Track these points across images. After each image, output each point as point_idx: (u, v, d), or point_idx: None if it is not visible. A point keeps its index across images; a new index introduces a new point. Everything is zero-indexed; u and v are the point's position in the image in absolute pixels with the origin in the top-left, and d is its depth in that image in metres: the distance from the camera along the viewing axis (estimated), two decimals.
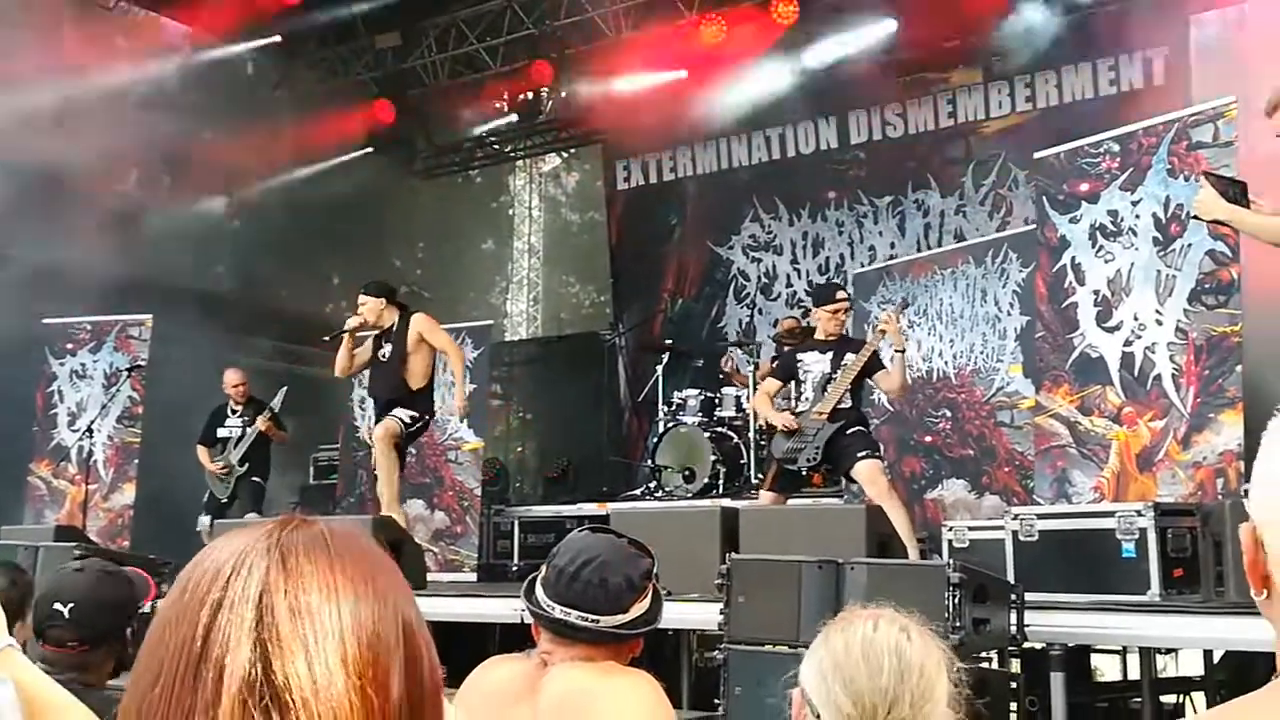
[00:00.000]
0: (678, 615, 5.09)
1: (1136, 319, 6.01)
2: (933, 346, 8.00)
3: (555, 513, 9.84)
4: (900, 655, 1.70)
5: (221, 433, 9.02)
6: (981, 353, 7.85)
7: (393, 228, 14.05)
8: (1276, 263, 4.44)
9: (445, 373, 7.91)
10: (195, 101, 11.01)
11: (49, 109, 9.67)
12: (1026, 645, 4.62)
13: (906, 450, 8.05)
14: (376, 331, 7.36)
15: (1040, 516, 5.34)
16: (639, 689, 2.17)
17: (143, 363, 9.80)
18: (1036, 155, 6.90)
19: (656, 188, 13.03)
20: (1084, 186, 6.38)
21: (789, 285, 11.94)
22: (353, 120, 13.03)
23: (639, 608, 2.22)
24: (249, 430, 8.93)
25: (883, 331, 6.36)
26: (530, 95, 13.09)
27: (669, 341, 10.83)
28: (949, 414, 7.93)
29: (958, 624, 4.20)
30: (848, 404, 6.30)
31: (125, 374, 9.67)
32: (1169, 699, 5.56)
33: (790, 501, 6.69)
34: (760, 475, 8.98)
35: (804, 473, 6.37)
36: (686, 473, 9.01)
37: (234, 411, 9.06)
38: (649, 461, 9.44)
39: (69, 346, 10.18)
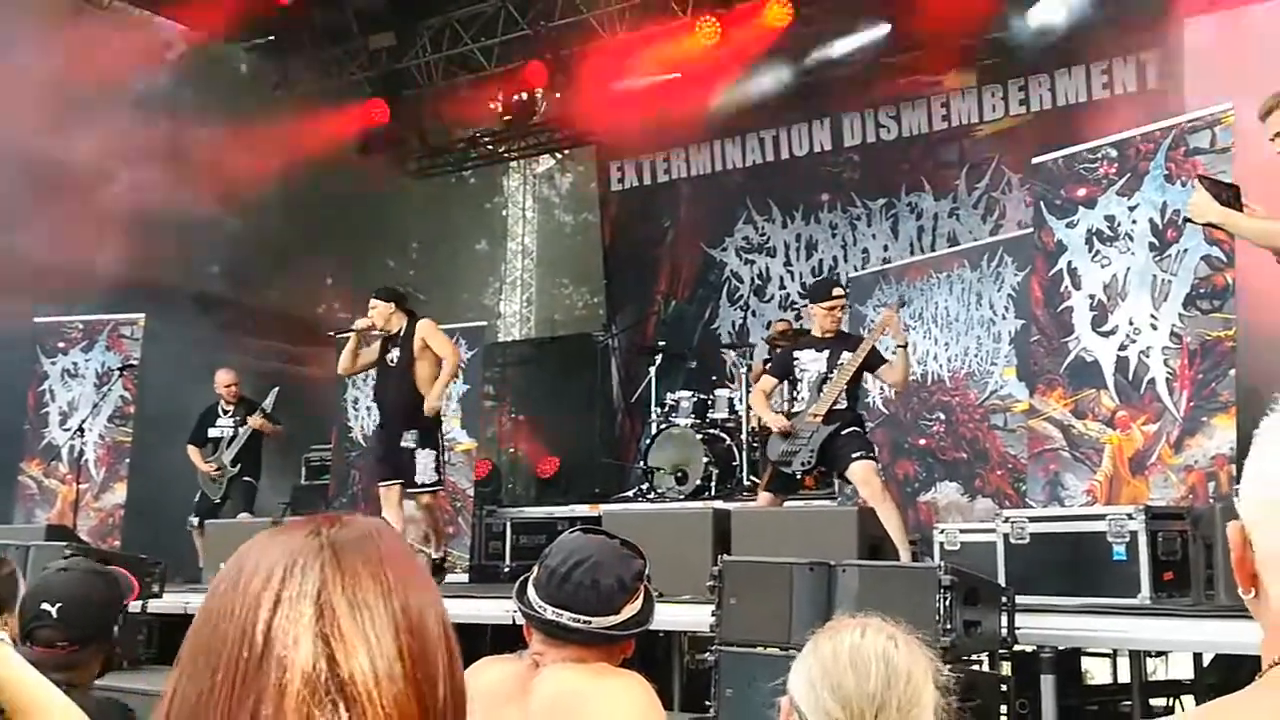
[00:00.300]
0: (669, 617, 5.08)
1: (1132, 323, 6.02)
2: (928, 350, 8.01)
3: (547, 514, 9.84)
4: (888, 662, 1.70)
5: (213, 433, 8.99)
6: (976, 356, 7.86)
7: (386, 228, 14.04)
8: (1271, 268, 4.45)
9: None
10: (189, 100, 11.00)
11: (43, 108, 9.64)
12: (1017, 648, 4.62)
13: (900, 453, 8.06)
14: (384, 335, 7.35)
15: (1031, 519, 5.35)
16: (630, 690, 2.17)
17: (135, 362, 9.78)
18: (1034, 160, 6.92)
19: (650, 189, 13.04)
20: (1081, 191, 6.40)
21: (782, 287, 11.96)
22: (347, 120, 13.02)
23: (630, 609, 2.22)
24: (241, 430, 8.90)
25: (884, 328, 6.30)
26: (524, 96, 13.08)
27: (662, 343, 10.84)
28: (943, 417, 7.94)
29: (949, 626, 4.20)
30: (843, 405, 6.23)
31: (117, 373, 9.66)
32: (1159, 702, 5.56)
33: (783, 503, 6.67)
34: (753, 477, 8.99)
35: (799, 476, 6.34)
36: (679, 474, 9.01)
37: (225, 411, 9.03)
38: (641, 463, 9.44)
39: (61, 345, 10.15)
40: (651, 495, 9.17)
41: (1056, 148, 6.90)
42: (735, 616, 4.66)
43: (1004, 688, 4.49)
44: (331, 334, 7.77)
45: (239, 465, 8.88)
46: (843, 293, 6.64)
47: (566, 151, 15.48)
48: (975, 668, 4.69)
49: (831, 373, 6.25)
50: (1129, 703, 5.02)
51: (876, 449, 6.64)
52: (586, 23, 11.60)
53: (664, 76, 11.86)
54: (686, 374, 10.52)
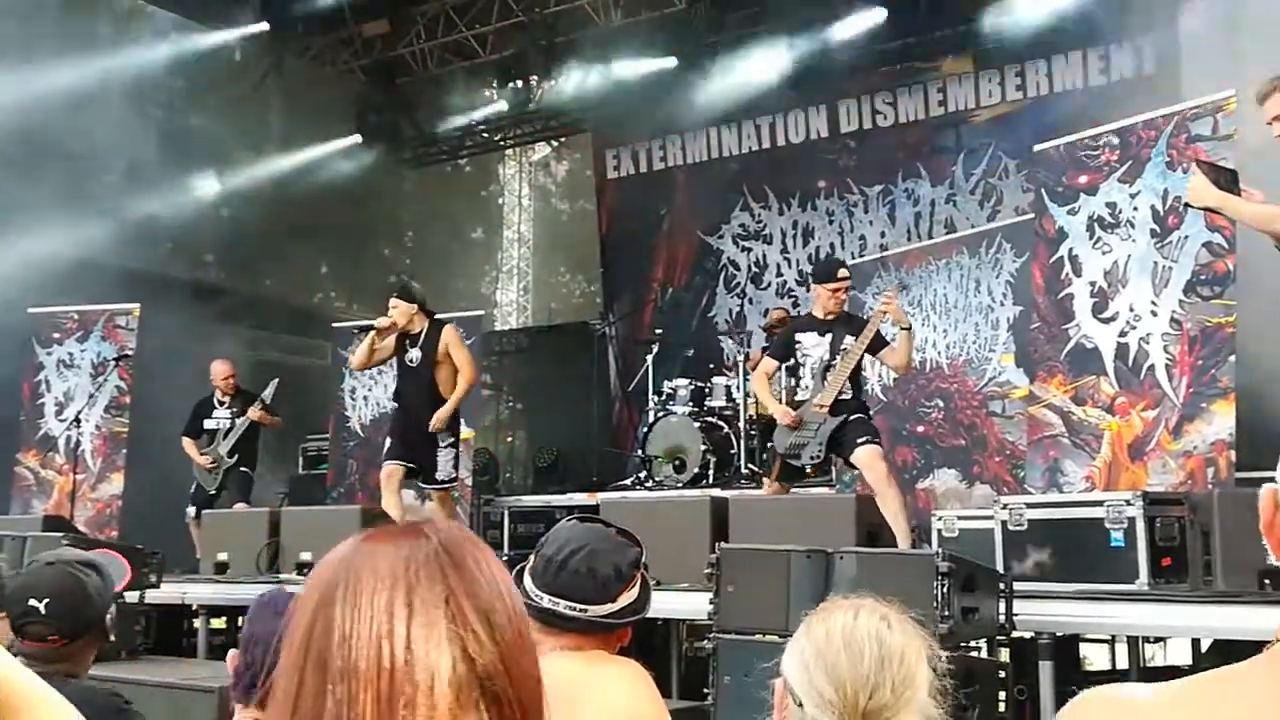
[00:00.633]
0: (667, 605, 5.08)
1: (1132, 310, 6.01)
2: (926, 337, 7.99)
3: (545, 502, 9.83)
4: (881, 643, 1.70)
5: (209, 424, 8.94)
6: (974, 343, 7.85)
7: (382, 216, 14.01)
8: (1272, 254, 4.43)
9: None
10: (183, 89, 10.95)
11: (35, 97, 9.60)
12: (1015, 634, 4.61)
13: (899, 440, 8.05)
14: (404, 334, 7.36)
15: (1029, 505, 5.33)
16: (627, 678, 2.16)
17: (130, 352, 9.75)
18: (1036, 147, 6.90)
19: (646, 177, 13.01)
20: (1083, 179, 6.38)
21: (779, 275, 11.94)
22: (341, 108, 12.98)
23: (627, 597, 2.21)
24: (239, 422, 8.86)
25: (884, 312, 6.17)
26: (520, 84, 13.05)
27: (659, 331, 10.81)
28: (941, 404, 7.93)
29: (946, 613, 4.19)
30: (848, 394, 6.13)
31: (113, 363, 9.62)
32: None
33: (789, 491, 6.62)
34: (751, 465, 8.98)
35: (807, 470, 6.30)
36: (676, 462, 9.00)
37: (221, 403, 8.98)
38: (639, 451, 9.42)
39: (56, 336, 10.12)
40: (649, 484, 9.16)
41: (1054, 133, 6.88)
42: (733, 604, 4.65)
43: (1002, 674, 4.48)
44: (355, 330, 7.78)
45: (235, 456, 8.84)
46: (848, 274, 6.48)
47: (562, 139, 15.43)
48: (973, 654, 4.69)
49: (834, 359, 6.15)
50: None
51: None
52: (581, 9, 11.56)
53: (660, 63, 11.83)
54: (684, 362, 10.50)
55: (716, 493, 7.66)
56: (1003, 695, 4.39)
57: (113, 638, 2.84)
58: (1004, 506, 5.36)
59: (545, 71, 12.63)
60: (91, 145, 10.00)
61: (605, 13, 11.50)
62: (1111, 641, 6.12)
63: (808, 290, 11.25)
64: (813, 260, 11.57)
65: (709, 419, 9.17)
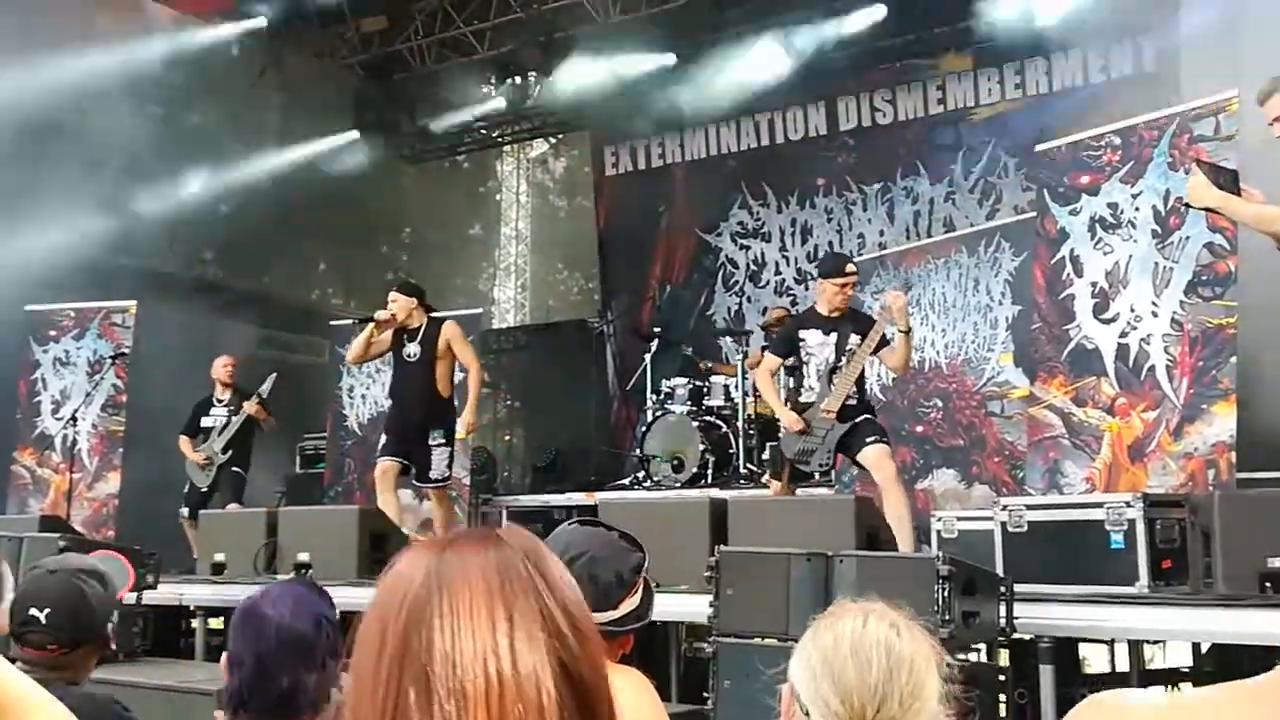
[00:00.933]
0: (666, 607, 5.05)
1: (1133, 310, 6.01)
2: (925, 336, 7.98)
3: (544, 502, 9.82)
4: (890, 652, 1.67)
5: (206, 422, 8.90)
6: (973, 342, 7.84)
7: (379, 213, 13.97)
8: (1273, 255, 4.42)
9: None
10: (181, 85, 10.91)
11: (33, 93, 9.56)
12: (1014, 637, 4.60)
13: (898, 440, 8.00)
14: (401, 329, 7.33)
15: (1029, 507, 5.32)
16: (629, 688, 2.12)
17: (127, 350, 9.73)
18: (1037, 148, 6.90)
19: (644, 174, 12.99)
20: (1085, 179, 6.38)
21: (778, 273, 11.92)
22: (339, 104, 12.94)
23: (629, 603, 2.18)
24: (234, 418, 8.83)
25: (892, 312, 6.02)
26: (518, 80, 13.01)
27: (657, 329, 10.78)
28: (940, 404, 7.92)
29: (947, 617, 4.17)
30: (854, 398, 6.06)
31: (109, 361, 9.60)
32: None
33: (795, 492, 6.58)
34: (749, 465, 8.96)
35: (817, 476, 6.26)
36: (675, 462, 8.99)
37: (219, 401, 8.95)
38: (637, 450, 9.40)
39: (52, 334, 10.10)
40: (648, 483, 9.14)
41: (1054, 132, 6.87)
42: (733, 607, 4.63)
43: (1002, 678, 4.46)
44: (354, 321, 7.77)
45: (229, 453, 8.78)
46: (855, 269, 6.36)
47: (560, 136, 15.40)
48: (973, 658, 4.67)
49: (840, 360, 6.07)
50: None
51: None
52: (579, 6, 11.52)
53: (658, 59, 11.81)
54: (682, 361, 10.48)
55: (715, 493, 7.65)
56: (1003, 699, 4.38)
57: (113, 648, 2.82)
58: (1004, 508, 5.35)
59: (543, 68, 12.59)
60: (89, 142, 9.97)
61: (603, 9, 11.47)
62: (1111, 643, 6.10)
63: (806, 288, 11.29)
64: (811, 258, 11.55)
65: (707, 418, 9.15)
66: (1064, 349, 6.28)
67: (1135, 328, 5.98)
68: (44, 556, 5.50)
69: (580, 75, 12.12)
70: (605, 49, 11.74)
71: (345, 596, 3.47)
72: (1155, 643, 5.43)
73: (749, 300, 11.90)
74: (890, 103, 11.32)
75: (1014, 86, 10.65)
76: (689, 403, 9.19)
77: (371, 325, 7.25)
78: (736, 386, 9.29)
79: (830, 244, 11.54)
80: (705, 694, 4.69)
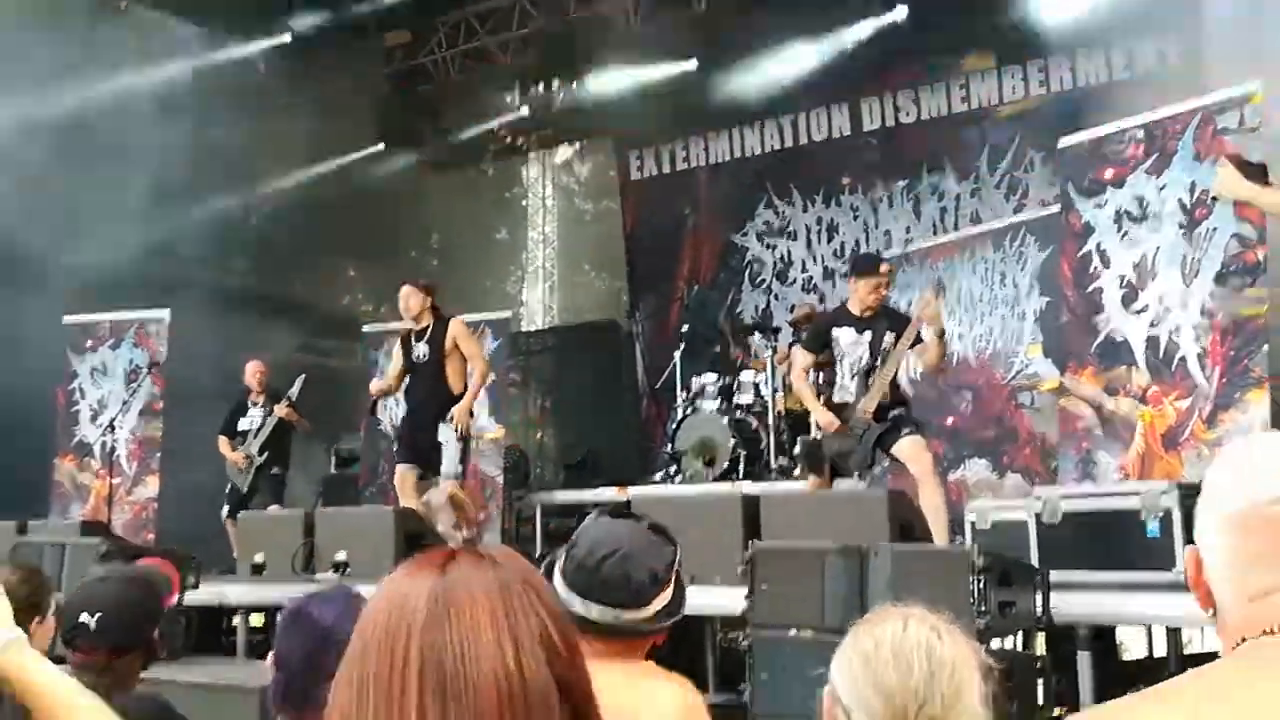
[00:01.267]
0: (701, 601, 5.09)
1: (1162, 302, 6.01)
2: (952, 330, 7.99)
3: (577, 498, 9.87)
4: (931, 654, 1.69)
5: (242, 424, 9.05)
6: (1000, 335, 7.85)
7: (407, 220, 14.09)
8: None
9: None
10: (208, 100, 11.05)
11: (64, 110, 9.71)
12: (1052, 625, 4.61)
13: (928, 433, 8.06)
14: (408, 334, 7.42)
15: (1064, 497, 5.33)
16: (677, 699, 2.08)
17: (162, 358, 9.87)
18: (1061, 143, 6.90)
19: (669, 177, 13.04)
20: (1109, 173, 6.39)
21: (804, 270, 11.94)
22: (365, 116, 13.08)
23: (661, 599, 2.12)
24: (268, 420, 8.96)
25: (927, 317, 6.03)
26: (541, 88, 13.10)
27: (685, 328, 10.81)
28: (969, 396, 7.93)
29: (983, 608, 4.20)
30: (888, 396, 6.06)
31: (145, 371, 9.76)
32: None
33: (833, 485, 6.59)
34: (781, 459, 8.99)
35: (856, 476, 6.28)
36: (707, 458, 9.02)
37: (254, 404, 9.09)
38: (669, 447, 9.45)
39: (89, 344, 10.27)
40: (679, 479, 9.19)
41: (1078, 127, 6.87)
42: (768, 601, 4.67)
43: (1039, 666, 4.49)
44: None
45: (265, 455, 8.93)
46: (889, 267, 6.36)
47: (585, 141, 15.48)
48: (1010, 647, 4.70)
49: (875, 359, 6.06)
50: (1166, 677, 5.01)
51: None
52: (601, 13, 11.59)
53: (681, 64, 11.86)
54: (711, 358, 10.52)
55: (747, 488, 7.68)
56: (1041, 686, 4.40)
57: (159, 654, 2.88)
58: (1038, 498, 5.36)
59: (566, 75, 12.67)
60: (121, 157, 10.10)
61: (625, 16, 11.54)
62: (1149, 628, 6.10)
63: (834, 285, 11.31)
64: (838, 255, 11.57)
65: (737, 415, 9.19)
66: (1093, 341, 6.29)
67: (1165, 319, 5.99)
68: (86, 561, 5.64)
69: (603, 81, 12.20)
70: (627, 55, 11.80)
71: None
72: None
73: (776, 298, 11.92)
74: (914, 102, 11.32)
75: (1038, 84, 10.63)
76: (719, 399, 9.23)
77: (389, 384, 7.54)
78: (766, 382, 9.33)
79: (857, 241, 11.56)
80: (741, 685, 4.73)
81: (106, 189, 9.80)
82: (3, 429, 8.77)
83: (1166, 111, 6.27)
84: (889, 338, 6.07)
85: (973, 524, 5.73)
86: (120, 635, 2.68)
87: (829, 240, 11.81)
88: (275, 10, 11.89)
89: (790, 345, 9.25)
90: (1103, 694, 4.33)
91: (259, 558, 7.26)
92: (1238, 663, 1.12)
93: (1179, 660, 4.79)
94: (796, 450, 8.72)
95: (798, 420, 9.18)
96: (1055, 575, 4.62)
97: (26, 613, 2.34)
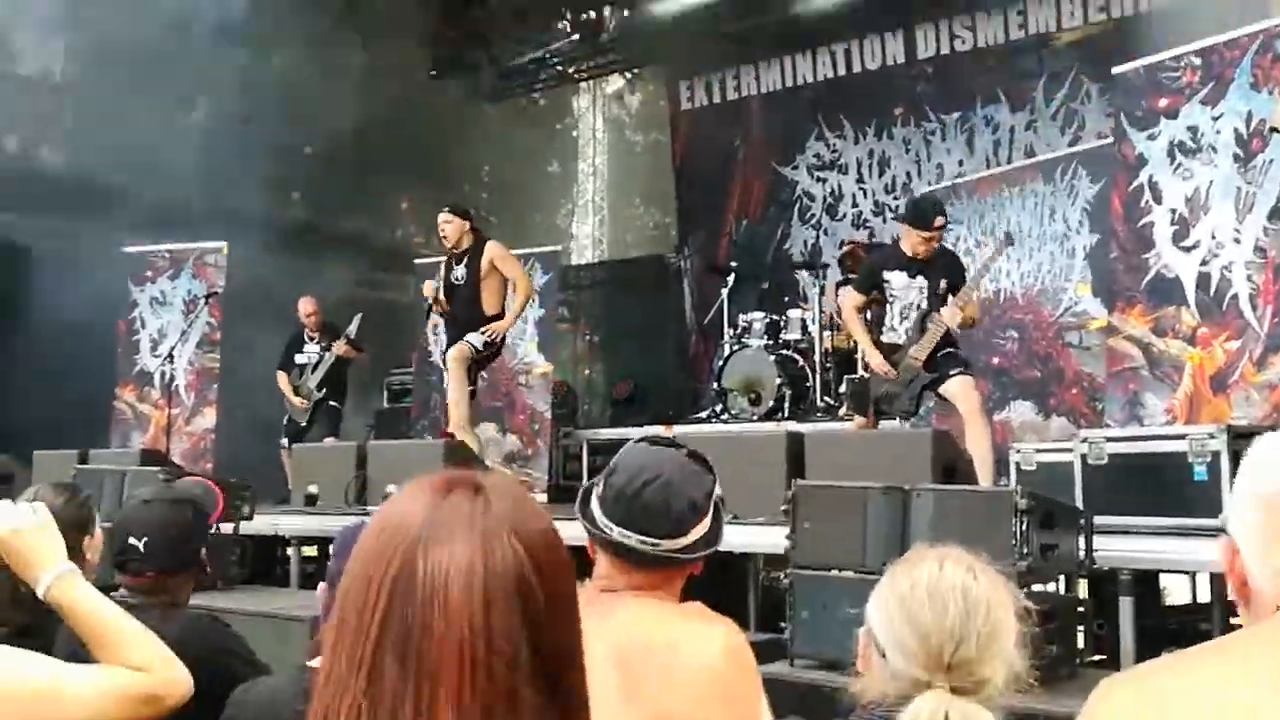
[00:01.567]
0: (744, 539, 5.15)
1: (1214, 238, 5.89)
2: (1000, 266, 7.89)
3: (623, 435, 9.94)
4: (967, 595, 1.70)
5: (300, 359, 9.24)
6: (1049, 272, 7.74)
7: (459, 152, 14.09)
8: None
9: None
10: (263, 30, 11.05)
11: (120, 34, 9.76)
12: (1094, 569, 4.61)
13: (975, 371, 8.01)
14: (450, 256, 7.49)
15: (1110, 439, 5.30)
16: (720, 639, 2.04)
17: (220, 289, 10.03)
18: (1115, 70, 6.72)
19: (720, 108, 12.91)
20: (1163, 102, 6.23)
21: (854, 205, 11.82)
22: (417, 44, 13.03)
23: (699, 529, 2.08)
24: (326, 356, 9.12)
25: (964, 315, 6.06)
26: (592, 15, 12.97)
27: (734, 264, 10.78)
28: (1015, 335, 7.85)
29: (1025, 550, 4.20)
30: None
31: (203, 301, 9.92)
32: (1240, 621, 5.53)
33: (879, 424, 6.62)
34: (826, 398, 9.00)
35: (898, 421, 6.30)
36: (752, 395, 9.05)
37: (311, 339, 9.26)
38: (715, 384, 9.48)
39: (149, 274, 10.45)
40: (725, 416, 9.23)
41: (1136, 55, 6.70)
42: (809, 540, 4.69)
43: (1081, 610, 4.49)
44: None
45: (324, 390, 9.13)
46: (945, 221, 6.26)
47: (635, 71, 15.35)
48: (1051, 589, 4.70)
49: (928, 304, 6.08)
50: (1208, 624, 5.00)
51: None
52: None
53: None
54: (759, 295, 10.50)
55: (792, 426, 7.70)
56: (1081, 631, 4.41)
57: (209, 570, 2.98)
58: (1083, 440, 5.33)
59: (618, 2, 12.53)
60: (176, 86, 10.18)
61: None
62: (1193, 574, 6.08)
63: (884, 221, 11.19)
64: (889, 190, 11.43)
65: (784, 352, 9.18)
66: (1143, 278, 6.19)
67: (1217, 255, 5.87)
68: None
69: (655, 8, 12.05)
70: None
71: None
72: None
73: (825, 234, 11.83)
74: (970, 29, 11.08)
75: (1098, 9, 10.35)
76: (765, 336, 9.22)
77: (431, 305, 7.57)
78: (813, 320, 9.30)
79: (908, 174, 11.40)
80: (782, 624, 4.79)
81: (164, 111, 9.88)
82: (68, 358, 8.98)
83: (1223, 37, 6.08)
84: (943, 284, 6.08)
85: (1018, 465, 5.72)
86: (168, 558, 2.76)
87: (880, 175, 11.66)
88: None
89: (838, 284, 9.20)
90: (1144, 640, 4.34)
91: (312, 489, 7.42)
92: None
93: (1223, 607, 4.77)
94: (843, 389, 8.72)
95: (844, 359, 9.16)
96: (1099, 519, 4.61)
97: (76, 533, 2.40)
